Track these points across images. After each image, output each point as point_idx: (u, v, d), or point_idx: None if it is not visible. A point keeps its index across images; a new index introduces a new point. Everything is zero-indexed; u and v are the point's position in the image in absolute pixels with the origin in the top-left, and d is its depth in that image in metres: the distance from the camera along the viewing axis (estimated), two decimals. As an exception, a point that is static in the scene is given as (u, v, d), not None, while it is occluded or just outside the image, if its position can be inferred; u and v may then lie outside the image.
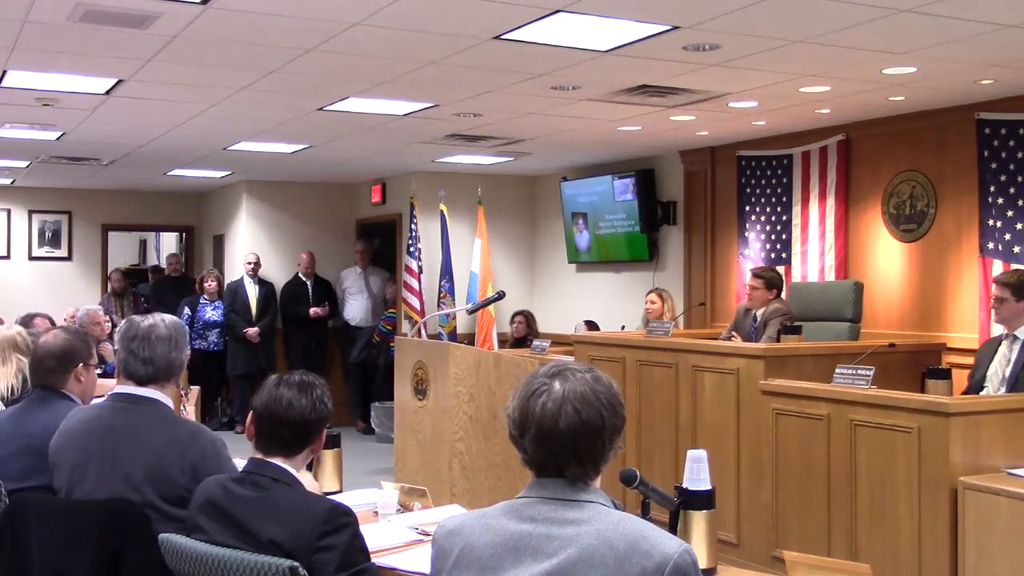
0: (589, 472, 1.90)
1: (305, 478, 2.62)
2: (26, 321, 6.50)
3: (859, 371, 4.82)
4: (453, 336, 9.42)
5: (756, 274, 6.54)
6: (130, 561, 2.67)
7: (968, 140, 6.31)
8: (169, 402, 3.01)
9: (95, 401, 3.23)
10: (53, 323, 6.23)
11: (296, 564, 2.27)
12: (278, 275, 10.96)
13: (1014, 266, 6.00)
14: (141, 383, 2.97)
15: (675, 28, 4.59)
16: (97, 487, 2.82)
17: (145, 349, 2.97)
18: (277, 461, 2.55)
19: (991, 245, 6.15)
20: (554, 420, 1.87)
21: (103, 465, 2.84)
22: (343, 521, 2.40)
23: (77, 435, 2.95)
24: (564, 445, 1.87)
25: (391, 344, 10.08)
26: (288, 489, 2.49)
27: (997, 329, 5.34)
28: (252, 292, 10.58)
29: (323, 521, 2.37)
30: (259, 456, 2.57)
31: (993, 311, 5.12)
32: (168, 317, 3.10)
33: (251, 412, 2.61)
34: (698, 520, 2.68)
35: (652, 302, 7.92)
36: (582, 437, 1.87)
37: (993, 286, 5.14)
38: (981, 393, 4.97)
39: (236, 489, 2.50)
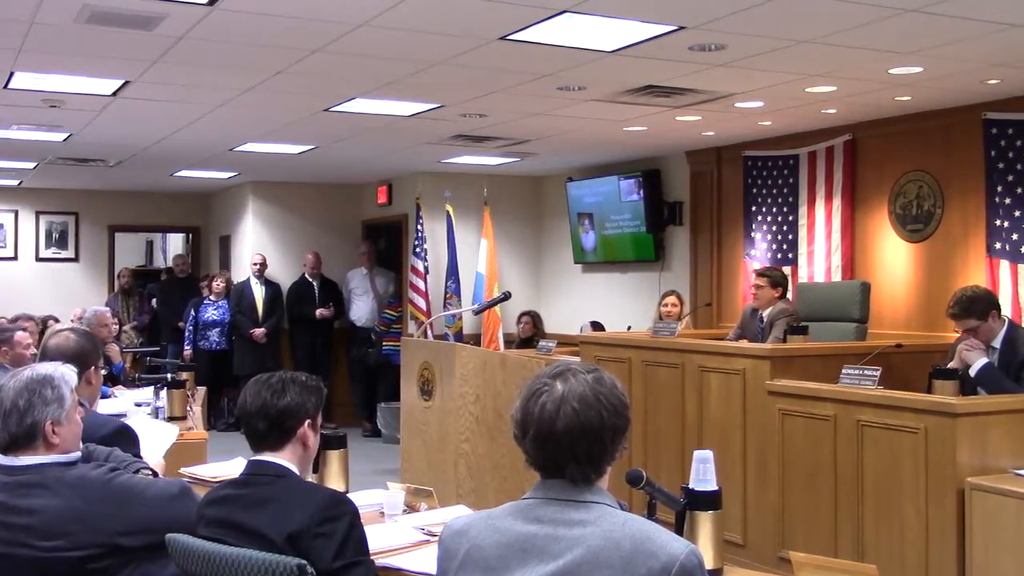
0: (589, 472, 1.88)
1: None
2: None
3: (866, 371, 4.81)
4: (459, 337, 9.41)
5: (760, 273, 6.54)
6: None
7: (975, 140, 6.29)
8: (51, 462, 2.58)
9: None
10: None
11: (304, 562, 2.27)
12: (284, 276, 10.97)
13: (1021, 267, 5.99)
14: None
15: (681, 28, 4.59)
16: None
17: None
18: (266, 457, 2.56)
19: (998, 245, 6.13)
20: (552, 421, 1.86)
21: None
22: (342, 510, 2.41)
23: None
24: (561, 445, 1.86)
25: (384, 343, 10.12)
26: (285, 481, 2.50)
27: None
28: (258, 293, 10.59)
29: (322, 508, 2.39)
30: (252, 457, 2.59)
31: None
32: (24, 373, 2.62)
33: None
34: (704, 521, 2.68)
35: (674, 304, 7.71)
36: (579, 437, 1.86)
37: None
38: None
39: (233, 492, 2.52)
